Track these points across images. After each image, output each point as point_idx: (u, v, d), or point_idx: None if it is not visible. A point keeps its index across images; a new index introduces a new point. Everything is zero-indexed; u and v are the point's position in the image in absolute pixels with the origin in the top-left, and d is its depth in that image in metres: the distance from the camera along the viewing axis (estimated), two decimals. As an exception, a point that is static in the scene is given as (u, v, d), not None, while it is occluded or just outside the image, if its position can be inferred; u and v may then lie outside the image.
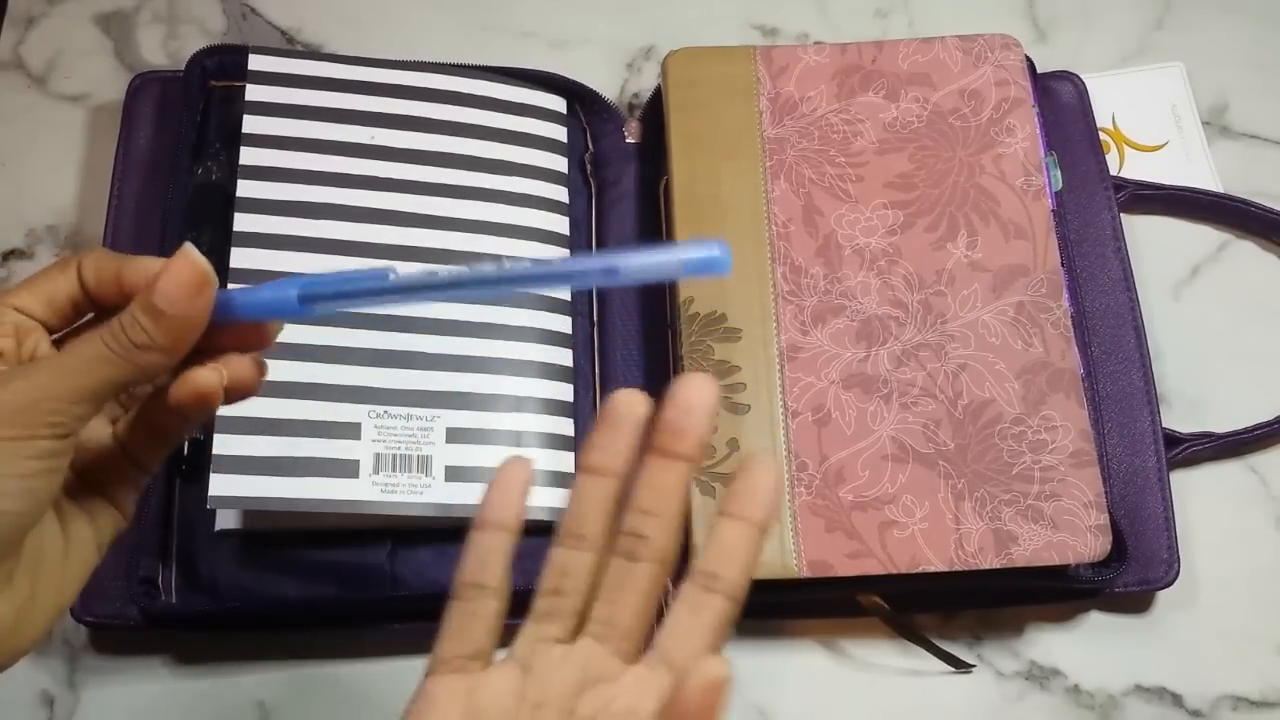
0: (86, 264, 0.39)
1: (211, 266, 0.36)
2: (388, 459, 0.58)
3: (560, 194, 0.66)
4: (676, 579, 0.62)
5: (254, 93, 0.64)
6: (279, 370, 0.58)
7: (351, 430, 0.58)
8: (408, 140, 0.64)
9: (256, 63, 0.65)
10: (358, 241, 0.62)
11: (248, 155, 0.63)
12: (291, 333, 0.59)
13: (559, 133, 0.68)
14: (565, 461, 0.61)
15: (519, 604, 0.58)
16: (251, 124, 0.63)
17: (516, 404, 0.61)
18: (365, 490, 0.57)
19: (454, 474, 0.59)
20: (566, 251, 0.65)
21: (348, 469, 0.58)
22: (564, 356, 0.63)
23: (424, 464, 0.58)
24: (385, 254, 0.62)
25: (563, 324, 0.64)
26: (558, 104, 0.68)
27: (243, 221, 0.61)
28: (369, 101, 0.65)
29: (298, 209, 0.62)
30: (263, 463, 0.57)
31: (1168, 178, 0.71)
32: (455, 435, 0.59)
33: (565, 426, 0.62)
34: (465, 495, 0.58)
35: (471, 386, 0.60)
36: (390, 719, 0.59)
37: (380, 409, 0.59)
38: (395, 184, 0.63)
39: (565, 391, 0.62)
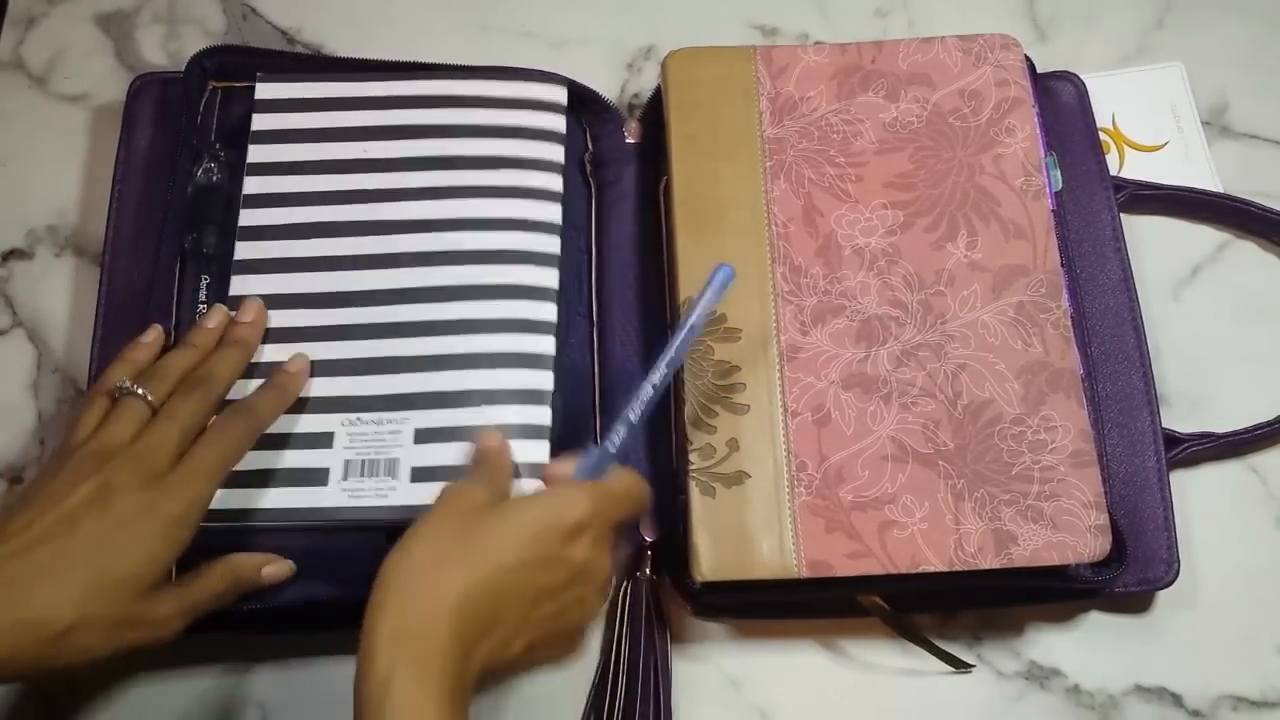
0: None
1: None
2: (356, 465, 0.59)
3: (553, 182, 0.65)
4: (670, 572, 0.62)
5: (260, 122, 0.65)
6: (253, 387, 0.59)
7: (324, 440, 0.59)
8: (408, 149, 0.65)
9: (263, 91, 0.66)
10: (357, 255, 0.62)
11: (253, 185, 0.64)
12: (266, 352, 0.60)
13: (556, 122, 0.67)
14: (540, 452, 0.60)
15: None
16: (257, 153, 0.64)
17: (489, 397, 0.60)
18: (333, 497, 0.58)
19: (421, 474, 0.59)
20: (557, 239, 0.64)
21: (317, 478, 0.58)
22: (542, 344, 0.62)
23: (390, 467, 0.59)
24: (385, 263, 0.62)
25: (539, 311, 0.62)
26: (557, 94, 0.68)
27: (245, 250, 0.62)
28: (373, 116, 0.65)
29: (301, 231, 0.63)
30: (231, 477, 0.57)
31: (1168, 178, 0.71)
32: (424, 436, 0.59)
33: (540, 415, 0.61)
34: (432, 496, 0.58)
35: (445, 385, 0.60)
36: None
37: (354, 416, 0.59)
38: (394, 194, 0.64)
39: (541, 379, 0.61)
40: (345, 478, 0.58)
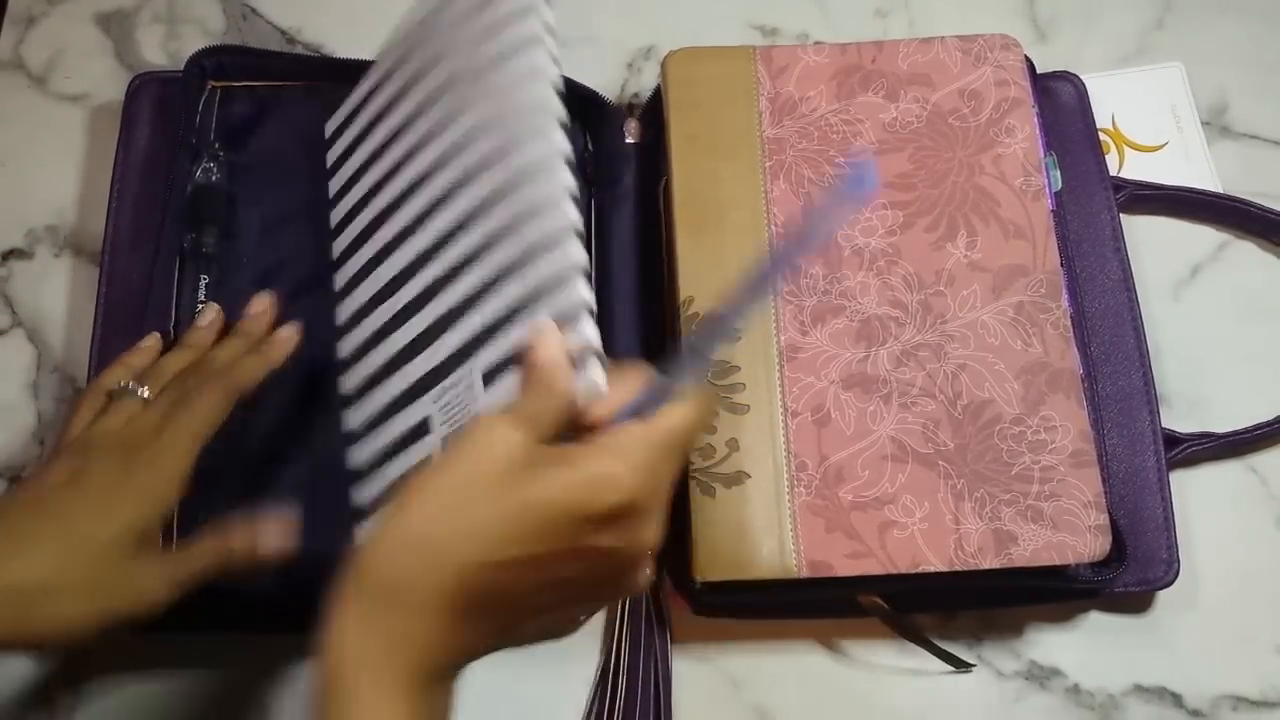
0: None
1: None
2: (454, 436, 0.55)
3: (537, 55, 0.53)
4: (670, 573, 0.62)
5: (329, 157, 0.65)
6: (356, 416, 0.59)
7: (423, 429, 0.56)
8: (426, 120, 0.60)
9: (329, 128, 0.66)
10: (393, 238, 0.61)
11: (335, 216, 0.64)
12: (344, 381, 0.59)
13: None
14: (589, 331, 0.47)
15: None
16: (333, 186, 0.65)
17: (524, 301, 0.51)
18: None
19: None
20: (563, 112, 0.52)
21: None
22: (558, 219, 0.49)
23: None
24: (408, 234, 0.59)
25: (548, 184, 0.51)
26: None
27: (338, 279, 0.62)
28: (398, 112, 0.63)
29: (365, 237, 0.62)
30: (363, 511, 0.57)
31: (1167, 178, 0.71)
32: (489, 377, 0.53)
33: (576, 294, 0.48)
34: None
35: (487, 316, 0.53)
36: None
37: (438, 390, 0.56)
38: (423, 170, 0.59)
39: (568, 254, 0.49)
40: None
